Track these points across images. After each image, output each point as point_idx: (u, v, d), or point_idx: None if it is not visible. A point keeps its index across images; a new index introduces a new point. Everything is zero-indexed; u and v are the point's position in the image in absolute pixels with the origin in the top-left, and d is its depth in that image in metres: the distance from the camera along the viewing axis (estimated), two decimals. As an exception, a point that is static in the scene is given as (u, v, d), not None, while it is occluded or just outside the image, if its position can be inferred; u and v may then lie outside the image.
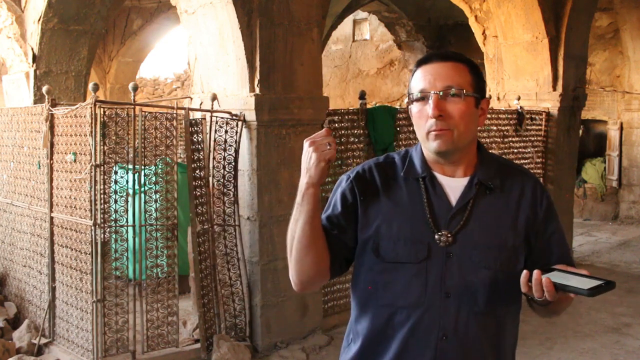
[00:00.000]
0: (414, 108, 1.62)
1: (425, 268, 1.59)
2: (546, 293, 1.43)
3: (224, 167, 4.56)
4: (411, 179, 1.65)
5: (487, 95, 1.67)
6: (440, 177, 1.65)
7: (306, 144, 1.53)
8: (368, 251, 1.64)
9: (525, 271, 1.47)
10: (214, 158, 4.55)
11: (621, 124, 10.34)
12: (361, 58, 13.01)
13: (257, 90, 4.44)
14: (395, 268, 1.60)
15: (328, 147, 1.52)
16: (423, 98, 1.59)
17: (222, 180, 4.55)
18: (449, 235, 1.58)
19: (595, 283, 1.43)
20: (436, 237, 1.59)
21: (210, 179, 4.53)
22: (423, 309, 1.58)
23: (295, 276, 1.65)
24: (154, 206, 4.28)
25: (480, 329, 1.59)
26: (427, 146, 1.62)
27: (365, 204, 1.65)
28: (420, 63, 1.63)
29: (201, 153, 4.45)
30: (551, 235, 1.67)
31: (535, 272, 1.45)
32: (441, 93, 1.56)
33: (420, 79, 1.61)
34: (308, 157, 1.53)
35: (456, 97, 1.57)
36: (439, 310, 1.58)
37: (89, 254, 4.15)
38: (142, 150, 4.20)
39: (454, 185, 1.64)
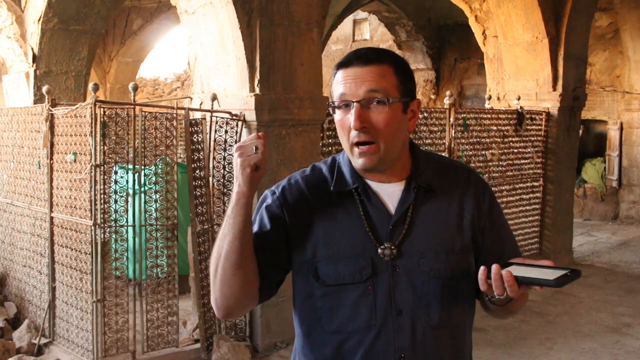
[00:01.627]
0: (336, 116, 1.47)
1: (371, 286, 1.46)
2: (508, 288, 1.31)
3: (224, 167, 4.56)
4: (343, 192, 1.50)
5: (416, 96, 1.53)
6: (374, 185, 1.50)
7: (234, 149, 1.40)
8: (306, 275, 1.49)
9: (482, 267, 1.35)
10: (214, 158, 4.55)
11: (621, 124, 10.35)
12: (361, 58, 12.99)
13: (257, 90, 4.45)
14: (339, 290, 1.47)
15: (254, 151, 1.37)
16: (344, 105, 1.44)
17: (222, 180, 4.56)
18: (392, 247, 1.45)
19: (559, 273, 1.32)
20: (379, 251, 1.45)
21: (210, 179, 4.53)
22: (375, 330, 1.46)
23: (220, 300, 1.47)
24: (154, 206, 4.28)
25: (438, 343, 1.49)
26: (353, 161, 1.48)
27: (296, 223, 1.50)
28: (340, 65, 1.47)
29: (201, 153, 4.46)
30: (499, 228, 1.58)
31: (494, 267, 1.32)
32: (363, 102, 1.42)
33: (340, 84, 1.45)
34: (234, 164, 1.40)
35: (380, 105, 1.42)
36: (392, 330, 1.45)
37: (89, 254, 4.15)
38: (142, 150, 4.20)
39: (390, 192, 1.50)
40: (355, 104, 1.42)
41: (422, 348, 1.47)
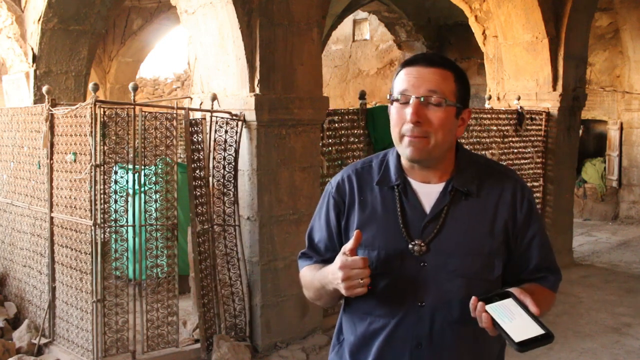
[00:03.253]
0: (393, 109, 1.58)
1: (399, 277, 1.57)
2: (486, 329, 1.42)
3: (224, 167, 4.56)
4: (386, 187, 1.63)
5: (469, 106, 1.63)
6: (415, 184, 1.61)
7: (338, 266, 1.49)
8: None
9: (473, 298, 1.45)
10: (214, 158, 4.55)
11: (621, 124, 10.34)
12: (361, 58, 13.01)
13: (257, 90, 4.44)
14: (371, 278, 1.55)
15: (360, 282, 1.47)
16: (404, 101, 1.54)
17: (222, 180, 4.55)
18: (422, 244, 1.55)
19: (532, 333, 1.35)
20: (410, 246, 1.56)
21: (210, 179, 4.53)
22: (398, 318, 1.57)
23: (319, 305, 1.78)
24: (154, 206, 4.28)
25: (456, 338, 1.57)
26: (400, 150, 1.59)
27: (346, 215, 1.66)
28: (406, 64, 1.58)
29: (201, 153, 4.45)
30: (531, 239, 1.63)
31: (480, 305, 1.43)
32: (422, 99, 1.52)
33: (403, 80, 1.56)
34: (335, 280, 1.51)
35: (437, 105, 1.52)
36: (413, 320, 1.56)
37: (89, 254, 4.15)
38: (142, 150, 4.20)
39: (428, 192, 1.60)
40: (414, 99, 1.52)
41: (439, 341, 1.57)
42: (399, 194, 1.60)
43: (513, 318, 1.38)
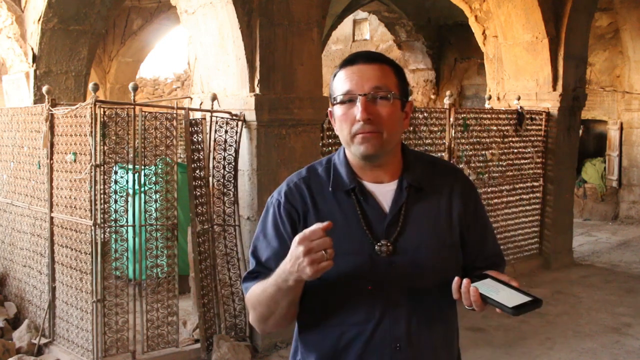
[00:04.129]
0: (338, 110, 1.55)
1: (370, 281, 1.53)
2: (473, 304, 1.44)
3: (224, 167, 4.56)
4: (340, 192, 1.58)
5: (413, 98, 1.64)
6: (369, 185, 1.59)
7: (296, 243, 1.37)
8: None
9: (456, 278, 1.47)
10: (214, 158, 4.55)
11: (621, 124, 10.34)
12: (361, 58, 13.00)
13: (257, 90, 4.45)
14: (339, 285, 1.54)
15: (324, 254, 1.37)
16: (348, 100, 1.52)
17: (222, 180, 4.56)
18: (388, 244, 1.54)
19: (521, 300, 1.41)
20: (376, 248, 1.53)
21: (210, 179, 4.53)
22: (374, 323, 1.54)
23: (269, 329, 1.61)
24: (154, 206, 4.28)
25: (432, 334, 1.58)
26: (353, 150, 1.55)
27: (302, 224, 1.57)
28: (344, 64, 1.56)
29: (201, 153, 4.45)
30: (483, 228, 1.69)
31: (465, 281, 1.44)
32: (369, 95, 1.51)
33: (344, 80, 1.54)
34: (297, 260, 1.38)
35: (384, 100, 1.52)
36: (389, 322, 1.54)
37: (89, 254, 4.15)
38: (142, 150, 4.20)
39: (384, 191, 1.59)
40: (361, 97, 1.50)
41: (416, 339, 1.56)
42: (356, 196, 1.57)
43: (498, 292, 1.44)
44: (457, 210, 1.62)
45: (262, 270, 1.59)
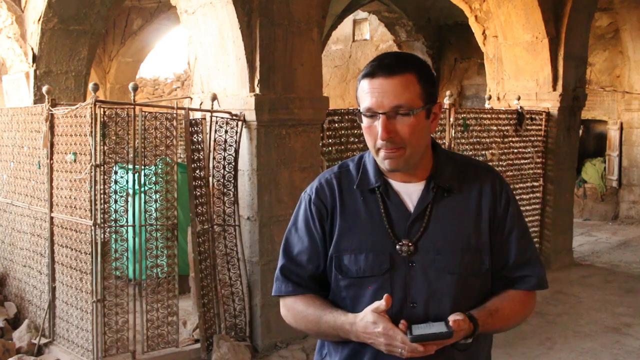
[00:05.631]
0: (364, 123, 1.56)
1: (389, 279, 1.55)
2: (425, 352, 1.46)
3: (224, 167, 4.56)
4: (366, 190, 1.60)
5: (437, 100, 1.62)
6: (396, 184, 1.60)
7: (380, 329, 1.46)
8: (331, 267, 1.61)
9: (402, 321, 1.49)
10: (214, 158, 4.55)
11: (621, 124, 10.34)
12: (361, 58, 13.00)
13: (257, 90, 4.44)
14: (360, 282, 1.57)
15: (400, 351, 1.45)
16: (371, 115, 1.52)
17: (222, 180, 4.55)
18: (409, 244, 1.54)
19: (435, 330, 1.45)
20: (397, 247, 1.55)
21: (210, 179, 4.53)
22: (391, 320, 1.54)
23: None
24: (154, 206, 4.28)
25: None
26: (378, 161, 1.57)
27: (330, 220, 1.62)
28: (364, 76, 1.54)
29: (201, 153, 4.45)
30: (510, 232, 1.63)
31: (400, 326, 1.48)
32: (389, 114, 1.49)
33: (366, 95, 1.52)
34: (375, 337, 1.48)
35: (405, 117, 1.50)
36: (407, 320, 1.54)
37: (89, 254, 4.15)
38: (142, 150, 4.20)
39: (410, 191, 1.59)
40: (381, 116, 1.50)
41: None
42: (380, 195, 1.59)
43: (430, 328, 1.47)
44: (486, 213, 1.60)
45: (294, 270, 1.66)
